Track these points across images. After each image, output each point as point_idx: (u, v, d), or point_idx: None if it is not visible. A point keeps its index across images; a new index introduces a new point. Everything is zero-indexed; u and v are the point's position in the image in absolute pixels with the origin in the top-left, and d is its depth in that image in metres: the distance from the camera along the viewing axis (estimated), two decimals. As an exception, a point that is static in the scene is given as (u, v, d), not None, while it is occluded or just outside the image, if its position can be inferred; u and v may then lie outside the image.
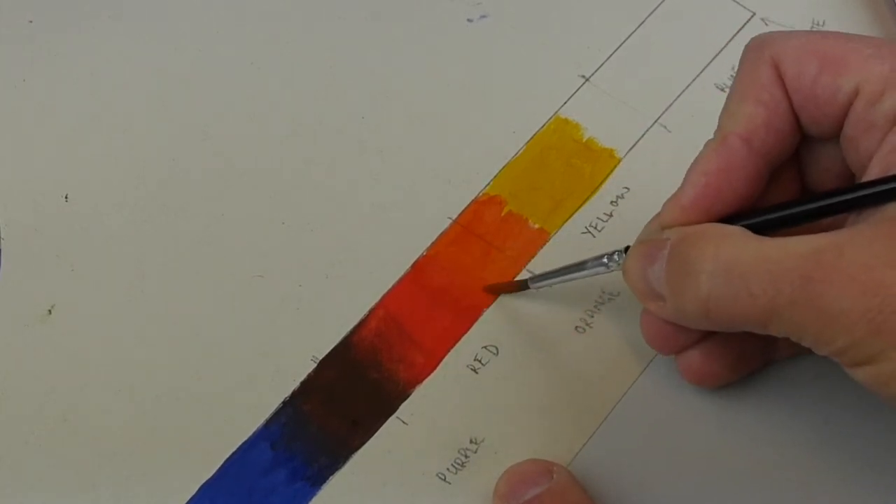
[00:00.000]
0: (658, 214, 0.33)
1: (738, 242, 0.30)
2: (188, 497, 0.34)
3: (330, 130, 0.41)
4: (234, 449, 0.35)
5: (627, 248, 0.33)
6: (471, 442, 0.35)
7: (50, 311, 0.37)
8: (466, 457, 0.35)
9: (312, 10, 0.44)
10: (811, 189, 0.34)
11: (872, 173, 0.30)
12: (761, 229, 0.31)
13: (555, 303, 0.37)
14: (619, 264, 0.34)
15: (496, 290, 0.38)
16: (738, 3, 0.44)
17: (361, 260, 0.38)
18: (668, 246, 0.31)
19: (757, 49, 0.32)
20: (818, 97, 0.31)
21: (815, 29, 0.43)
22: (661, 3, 0.44)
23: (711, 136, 0.32)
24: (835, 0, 0.44)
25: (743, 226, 0.31)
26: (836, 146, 0.32)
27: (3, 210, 0.39)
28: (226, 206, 0.39)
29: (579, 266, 0.35)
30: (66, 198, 0.39)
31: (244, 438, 0.35)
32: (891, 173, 0.29)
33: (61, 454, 0.35)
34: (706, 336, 0.33)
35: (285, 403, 0.36)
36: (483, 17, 0.44)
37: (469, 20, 0.44)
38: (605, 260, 0.34)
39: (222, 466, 0.35)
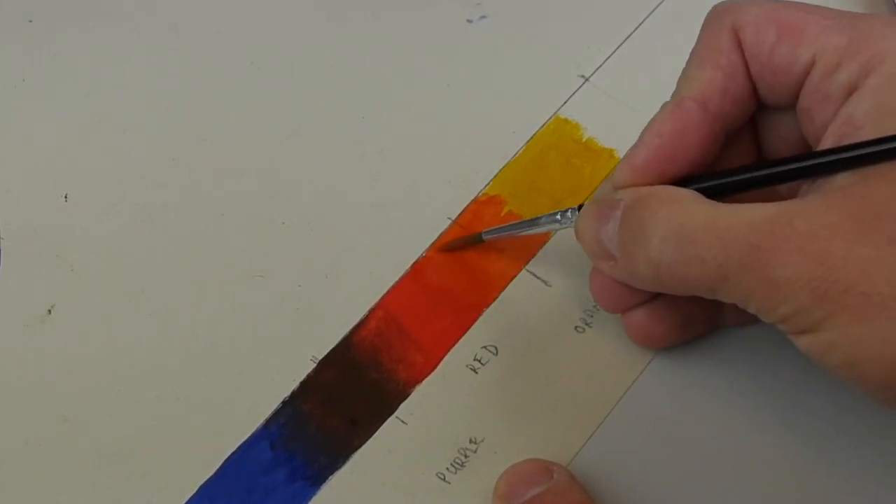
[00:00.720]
0: (611, 175, 0.33)
1: (691, 206, 0.30)
2: (188, 497, 0.34)
3: (330, 130, 0.41)
4: (234, 449, 0.35)
5: (581, 206, 0.34)
6: (470, 442, 0.35)
7: (50, 311, 0.37)
8: (466, 457, 0.35)
9: (312, 10, 0.44)
10: (767, 158, 0.34)
11: (826, 144, 0.30)
12: (714, 194, 0.31)
13: (555, 303, 0.37)
14: (572, 221, 0.34)
15: (450, 248, 0.38)
16: (738, 2, 0.44)
17: (361, 260, 0.38)
18: (620, 206, 0.32)
19: (718, 16, 0.33)
20: (775, 65, 0.31)
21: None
22: (661, 3, 0.44)
23: None
24: (835, 0, 0.44)
25: (696, 189, 0.31)
26: (792, 115, 0.32)
27: (3, 210, 0.39)
28: (226, 206, 0.39)
29: (533, 222, 0.36)
30: (66, 198, 0.39)
31: (244, 438, 0.35)
32: (843, 144, 0.29)
33: (61, 454, 0.35)
34: (653, 297, 0.34)
35: (285, 403, 0.36)
36: (483, 17, 0.44)
37: (469, 20, 0.44)
38: (558, 217, 0.35)
39: (222, 466, 0.35)
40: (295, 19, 0.44)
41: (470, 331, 0.37)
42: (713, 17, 0.33)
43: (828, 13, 0.31)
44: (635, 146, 0.32)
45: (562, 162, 0.40)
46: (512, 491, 0.33)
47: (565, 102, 0.42)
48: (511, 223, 0.37)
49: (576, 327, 0.37)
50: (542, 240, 0.39)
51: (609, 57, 0.43)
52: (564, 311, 0.37)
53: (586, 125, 0.41)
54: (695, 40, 0.33)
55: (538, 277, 0.38)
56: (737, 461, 0.35)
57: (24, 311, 0.37)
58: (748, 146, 0.34)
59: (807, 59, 0.31)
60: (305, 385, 0.36)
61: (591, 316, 0.37)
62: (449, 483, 0.35)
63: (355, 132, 0.41)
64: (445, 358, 0.37)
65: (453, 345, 0.37)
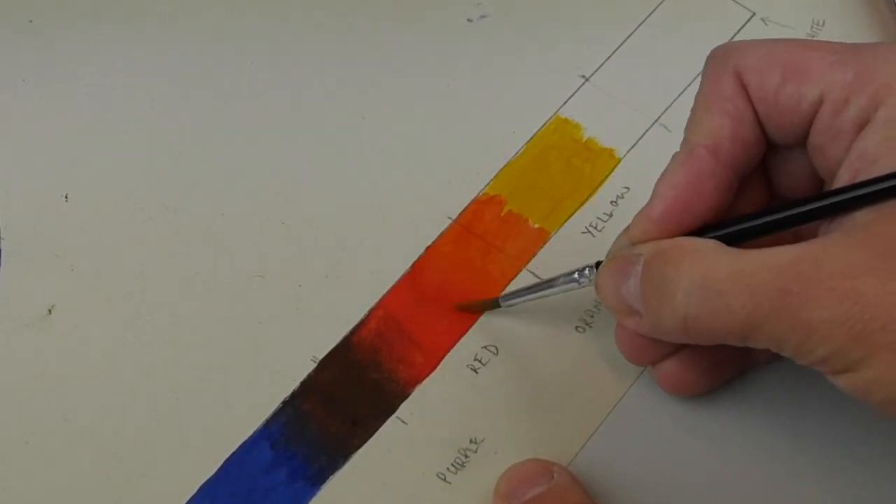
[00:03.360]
0: (627, 228, 0.33)
1: (713, 257, 0.30)
2: (188, 497, 0.34)
3: (330, 130, 0.41)
4: (234, 449, 0.35)
5: (598, 264, 0.33)
6: (471, 442, 0.35)
7: (50, 311, 0.37)
8: (466, 457, 0.35)
9: (312, 10, 0.44)
10: (780, 195, 0.34)
11: (842, 180, 0.30)
12: (734, 240, 0.31)
13: (555, 303, 0.37)
14: (590, 280, 0.33)
15: (468, 309, 0.37)
16: (738, 3, 0.44)
17: (361, 260, 0.38)
18: (640, 262, 0.31)
19: (720, 59, 0.32)
20: (783, 106, 0.31)
21: (813, 29, 0.43)
22: (662, 2, 0.44)
23: None
24: (835, 0, 0.44)
25: (715, 237, 0.31)
26: (802, 152, 0.32)
27: (3, 210, 0.39)
28: (226, 206, 0.39)
29: (550, 283, 0.35)
30: (66, 198, 0.39)
31: (244, 438, 0.35)
32: (859, 180, 0.29)
33: (61, 454, 0.35)
34: (681, 346, 0.33)
35: (285, 403, 0.36)
36: (483, 17, 0.44)
37: (469, 20, 0.44)
38: (575, 276, 0.34)
39: (222, 466, 0.35)
40: (294, 19, 0.44)
41: (470, 331, 0.37)
42: (715, 60, 0.33)
43: (830, 48, 0.31)
44: (651, 200, 0.32)
45: (562, 162, 0.40)
46: (512, 491, 0.33)
47: (565, 102, 0.42)
48: (528, 286, 0.36)
49: (576, 327, 0.37)
50: (542, 240, 0.39)
51: (609, 57, 0.43)
52: (564, 311, 0.37)
53: (586, 125, 0.41)
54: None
55: (538, 277, 0.38)
56: (737, 461, 0.35)
57: (24, 311, 0.37)
58: (761, 186, 0.34)
59: (814, 98, 0.30)
60: (305, 385, 0.36)
61: (592, 316, 0.37)
62: (449, 483, 0.35)
63: (355, 132, 0.41)
64: (445, 358, 0.37)
65: (453, 345, 0.37)
